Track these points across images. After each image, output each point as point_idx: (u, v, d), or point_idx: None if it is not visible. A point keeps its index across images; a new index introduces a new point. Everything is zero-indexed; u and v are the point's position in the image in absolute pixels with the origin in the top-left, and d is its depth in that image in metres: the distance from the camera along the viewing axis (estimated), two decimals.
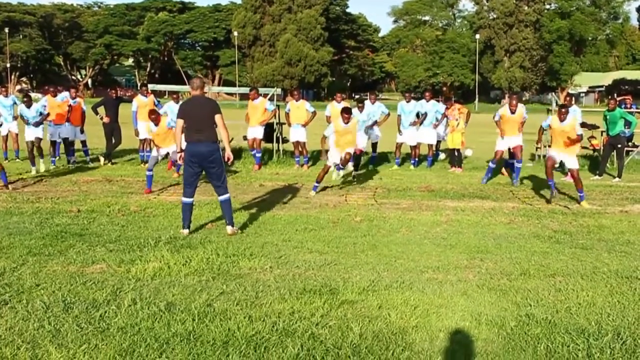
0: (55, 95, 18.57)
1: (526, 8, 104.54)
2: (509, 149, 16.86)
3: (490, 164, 16.36)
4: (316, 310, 6.55)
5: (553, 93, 31.03)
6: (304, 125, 18.87)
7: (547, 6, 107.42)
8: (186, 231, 10.04)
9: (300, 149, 19.19)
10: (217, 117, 10.03)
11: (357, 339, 5.86)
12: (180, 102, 12.77)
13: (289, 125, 19.10)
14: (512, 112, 16.10)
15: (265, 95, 19.85)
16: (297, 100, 19.19)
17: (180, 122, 10.12)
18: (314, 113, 19.00)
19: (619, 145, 17.25)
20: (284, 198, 13.63)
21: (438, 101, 19.84)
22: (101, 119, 19.22)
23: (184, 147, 10.13)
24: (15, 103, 20.33)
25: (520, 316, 6.51)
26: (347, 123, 14.16)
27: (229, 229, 10.12)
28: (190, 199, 10.14)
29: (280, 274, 7.90)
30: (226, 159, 10.19)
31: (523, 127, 16.62)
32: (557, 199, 13.67)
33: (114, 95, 20.19)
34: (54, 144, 18.72)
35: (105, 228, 10.42)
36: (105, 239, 9.60)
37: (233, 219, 10.34)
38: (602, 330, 6.17)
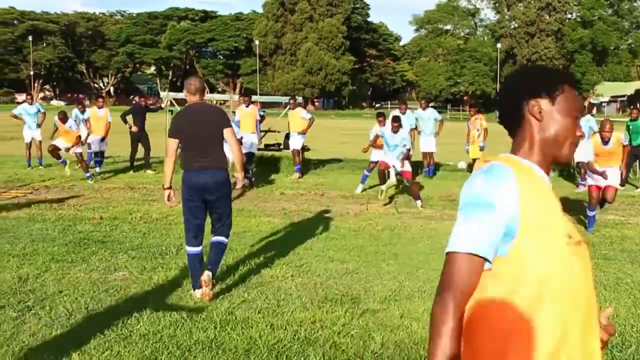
0: (65, 122, 17.79)
1: (548, 17, 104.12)
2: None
3: (589, 213, 11.84)
4: (338, 319, 6.55)
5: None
6: (301, 133, 18.69)
7: (569, 15, 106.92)
8: (199, 292, 7.18)
9: (298, 157, 18.95)
10: (227, 132, 7.38)
11: (379, 348, 5.85)
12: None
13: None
14: (605, 142, 11.69)
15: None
16: (293, 109, 19.04)
17: (174, 143, 7.25)
18: (311, 120, 18.83)
19: None
20: (305, 206, 13.64)
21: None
22: (130, 128, 19.26)
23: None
24: (39, 111, 20.51)
25: None
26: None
27: (206, 274, 7.11)
28: (197, 248, 7.37)
29: (301, 282, 7.90)
30: (237, 185, 7.79)
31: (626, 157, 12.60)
32: None
33: (144, 103, 20.22)
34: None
35: (127, 235, 10.46)
36: (127, 246, 9.64)
37: (217, 271, 7.52)
38: (625, 342, 6.12)
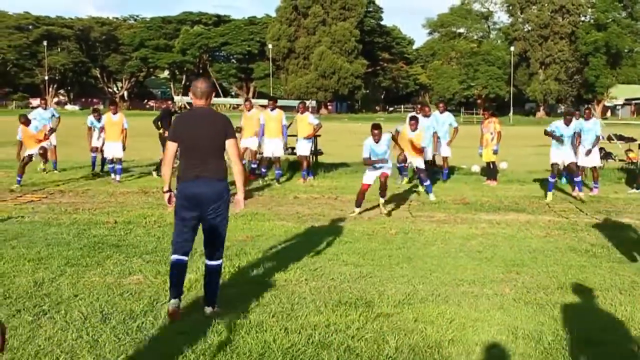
0: (28, 125, 17.20)
1: (561, 20, 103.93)
2: None
3: None
4: (352, 323, 6.55)
5: (589, 105, 30.77)
6: (307, 138, 18.41)
7: (583, 18, 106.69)
8: (176, 301, 6.66)
9: (306, 162, 18.67)
10: (230, 144, 6.80)
11: (393, 352, 5.85)
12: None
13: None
14: None
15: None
16: (301, 113, 18.65)
17: (173, 146, 6.72)
18: (318, 125, 18.57)
19: None
20: (319, 210, 13.64)
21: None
22: (162, 133, 18.86)
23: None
24: (53, 115, 20.63)
25: (557, 331, 6.45)
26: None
27: (207, 310, 6.82)
28: (184, 258, 6.86)
29: (315, 286, 7.90)
30: (236, 207, 7.05)
31: None
32: None
33: (172, 107, 20.12)
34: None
35: (141, 239, 10.50)
36: (141, 250, 9.67)
37: (217, 298, 6.92)
38: None
